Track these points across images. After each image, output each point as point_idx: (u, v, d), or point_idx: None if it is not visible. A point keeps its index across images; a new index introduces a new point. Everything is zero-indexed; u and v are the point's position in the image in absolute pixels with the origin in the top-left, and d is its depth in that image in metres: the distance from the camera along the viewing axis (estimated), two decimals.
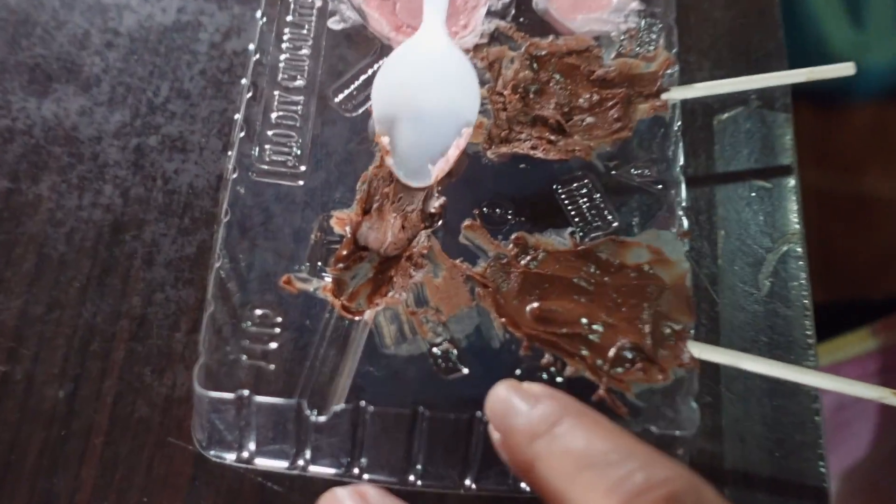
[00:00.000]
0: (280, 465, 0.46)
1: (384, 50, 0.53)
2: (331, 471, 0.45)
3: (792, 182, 0.54)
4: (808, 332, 0.50)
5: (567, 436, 0.35)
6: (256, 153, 0.50)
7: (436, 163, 0.48)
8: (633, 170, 0.50)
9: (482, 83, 0.52)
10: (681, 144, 0.51)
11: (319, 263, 0.47)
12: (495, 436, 0.37)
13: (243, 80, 0.53)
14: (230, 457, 0.46)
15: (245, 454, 0.45)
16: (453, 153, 0.49)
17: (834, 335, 0.77)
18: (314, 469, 0.46)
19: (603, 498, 0.32)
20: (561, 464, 0.34)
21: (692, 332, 0.46)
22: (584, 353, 0.46)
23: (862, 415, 0.76)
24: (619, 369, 0.46)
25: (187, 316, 0.49)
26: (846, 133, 1.57)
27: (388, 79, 0.49)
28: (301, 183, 0.49)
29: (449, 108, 0.49)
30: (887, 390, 0.46)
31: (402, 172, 0.48)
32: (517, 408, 0.37)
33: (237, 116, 0.51)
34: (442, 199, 0.49)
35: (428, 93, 0.49)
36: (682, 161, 0.50)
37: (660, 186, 0.50)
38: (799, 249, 0.53)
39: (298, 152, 0.50)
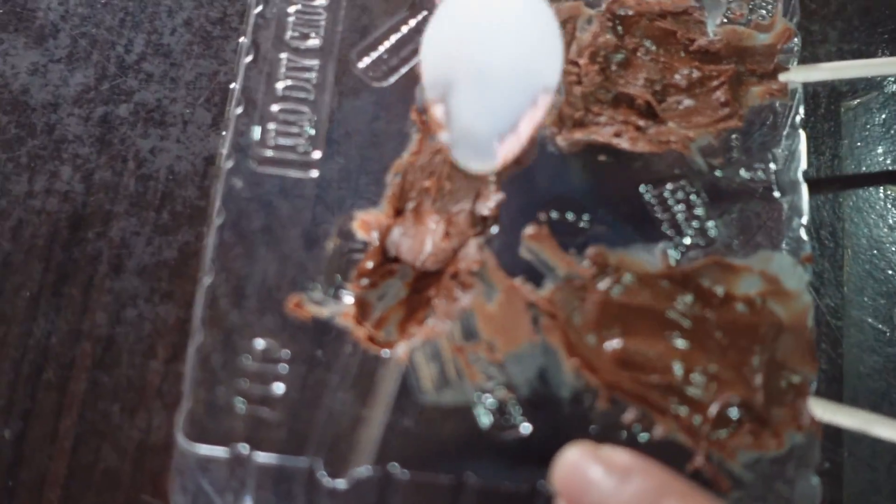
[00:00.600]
0: None
1: (423, 1, 0.51)
2: None
3: None
4: None
5: None
6: (258, 135, 0.48)
7: (504, 139, 0.47)
8: (741, 170, 0.49)
9: None
10: (803, 139, 0.49)
11: (338, 277, 0.46)
12: None
13: (241, 39, 0.51)
14: None
15: None
16: (527, 128, 0.47)
17: None
18: None
19: None
20: None
21: (814, 386, 0.45)
22: (679, 409, 0.44)
23: None
24: (723, 432, 0.44)
25: (166, 339, 0.48)
26: None
27: (443, 30, 0.47)
28: (314, 174, 0.48)
29: (524, 69, 0.47)
30: None
31: (460, 152, 0.47)
32: (599, 484, 0.37)
33: (233, 86, 0.49)
34: (500, 196, 0.47)
35: (496, 49, 0.47)
36: (804, 162, 0.48)
37: (776, 194, 0.48)
38: None
39: (312, 133, 0.49)
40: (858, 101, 0.54)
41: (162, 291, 0.49)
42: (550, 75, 0.47)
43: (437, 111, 0.47)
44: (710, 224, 0.48)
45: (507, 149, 0.47)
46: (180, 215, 0.50)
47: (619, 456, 0.38)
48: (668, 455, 0.43)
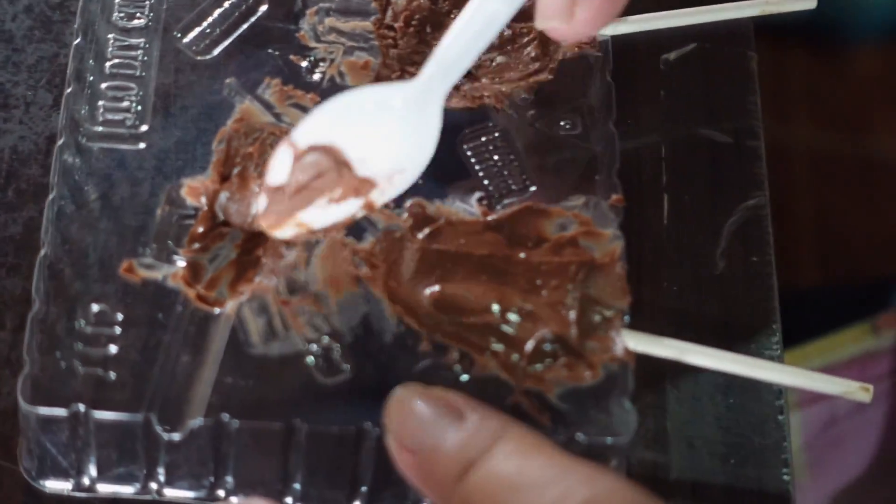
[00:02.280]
0: (128, 490, 0.46)
1: None
2: (190, 494, 0.46)
3: (756, 136, 0.55)
4: (773, 319, 0.52)
5: (503, 459, 0.37)
6: (87, 111, 0.50)
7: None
8: (554, 121, 0.51)
9: (368, 14, 0.53)
10: (613, 90, 0.51)
11: (170, 243, 0.47)
12: (404, 456, 0.39)
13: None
14: (67, 486, 0.46)
15: (85, 481, 0.46)
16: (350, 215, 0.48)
17: (832, 329, 0.79)
18: (171, 493, 0.46)
19: None
20: (495, 488, 0.37)
21: (627, 319, 0.47)
22: (497, 347, 0.46)
23: (856, 432, 0.78)
24: (539, 366, 0.46)
25: (13, 310, 0.50)
26: (848, 82, 1.60)
27: (348, 123, 0.47)
28: (143, 146, 0.49)
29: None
30: (854, 384, 0.47)
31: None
32: (433, 424, 0.38)
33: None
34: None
35: (378, 152, 0.47)
36: (614, 113, 0.51)
37: (588, 143, 0.51)
38: (763, 215, 0.53)
39: (139, 108, 0.50)
40: (675, 54, 0.56)
41: (8, 265, 0.51)
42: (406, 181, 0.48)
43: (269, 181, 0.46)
44: (525, 174, 0.50)
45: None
46: (24, 192, 0.52)
47: (451, 396, 0.39)
48: (490, 391, 0.45)
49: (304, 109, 0.51)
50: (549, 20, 0.45)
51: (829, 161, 1.52)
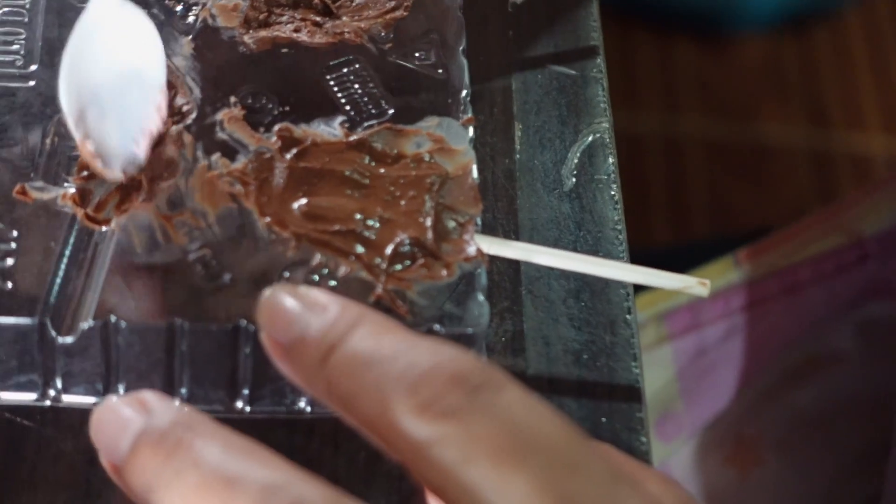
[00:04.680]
0: (29, 397, 0.50)
1: None
2: (87, 399, 0.49)
3: (597, 66, 0.60)
4: (618, 227, 0.56)
5: (360, 340, 0.39)
6: None
7: (140, 144, 0.52)
8: (409, 52, 0.56)
9: None
10: (463, 25, 0.56)
11: (64, 175, 0.51)
12: (275, 348, 0.41)
13: None
14: None
15: None
16: (155, 123, 0.52)
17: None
18: (68, 399, 0.50)
19: (393, 388, 0.38)
20: (352, 364, 0.39)
21: (479, 223, 0.51)
22: (360, 250, 0.50)
23: (726, 360, 0.82)
24: (399, 267, 0.50)
25: None
26: (735, 71, 1.66)
27: (70, 75, 0.51)
28: (32, 83, 0.53)
29: (134, 80, 0.52)
30: (693, 279, 0.51)
31: (110, 170, 0.52)
32: (304, 317, 0.41)
33: None
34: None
35: (107, 70, 0.52)
36: (464, 43, 0.55)
37: (440, 71, 0.55)
38: (606, 138, 0.58)
39: (28, 52, 0.54)
40: None
41: None
42: (158, 75, 0.53)
43: (88, 147, 0.51)
44: (384, 100, 0.55)
45: (145, 149, 0.52)
46: None
47: (315, 292, 0.41)
48: (355, 292, 0.49)
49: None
50: None
51: (720, 149, 1.58)
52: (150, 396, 0.40)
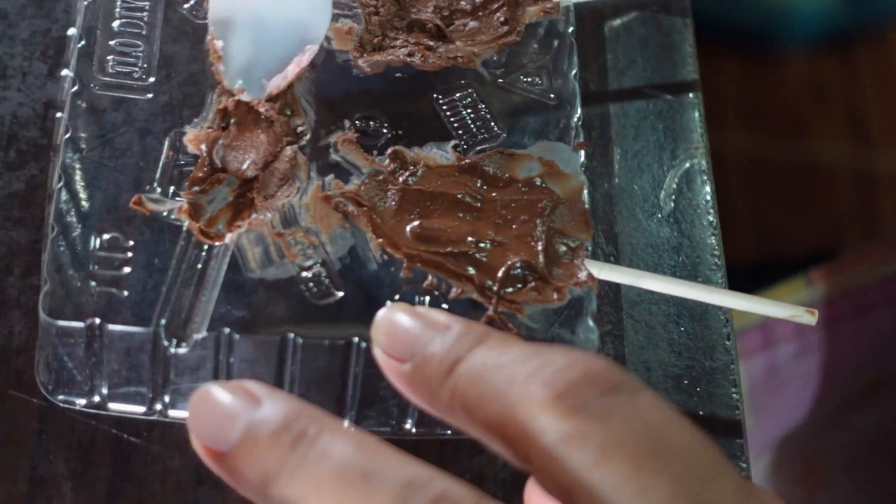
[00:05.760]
0: (136, 409, 0.50)
1: None
2: None
3: (693, 93, 0.60)
4: (716, 252, 0.56)
5: (486, 351, 0.39)
6: (97, 64, 0.53)
7: (271, 79, 0.52)
8: (522, 78, 0.56)
9: None
10: (575, 51, 0.56)
11: (173, 188, 0.51)
12: (393, 365, 0.41)
13: None
14: (80, 402, 0.50)
15: (96, 398, 0.49)
16: (292, 70, 0.53)
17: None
18: (175, 413, 0.50)
19: (526, 385, 0.37)
20: (480, 371, 0.38)
21: (589, 248, 0.51)
22: (472, 272, 0.50)
23: (796, 380, 0.82)
24: (510, 289, 0.50)
25: (21, 258, 0.53)
26: (780, 88, 1.65)
27: None
28: (150, 96, 0.53)
29: (294, 21, 0.54)
30: (800, 308, 0.51)
31: (232, 82, 0.52)
32: (426, 335, 0.40)
33: (71, 32, 0.55)
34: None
35: (272, 2, 0.54)
36: (576, 69, 0.55)
37: (552, 96, 0.55)
38: (703, 164, 0.58)
39: (146, 65, 0.54)
40: (620, 20, 0.61)
41: (14, 218, 0.54)
42: (317, 29, 0.54)
43: (218, 45, 0.53)
44: (495, 123, 0.54)
45: (273, 86, 0.52)
46: (26, 153, 0.55)
47: (435, 312, 0.41)
48: (466, 314, 0.48)
49: None
50: None
51: (765, 166, 1.57)
52: (256, 386, 0.38)
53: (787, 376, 0.81)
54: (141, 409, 0.50)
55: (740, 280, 0.64)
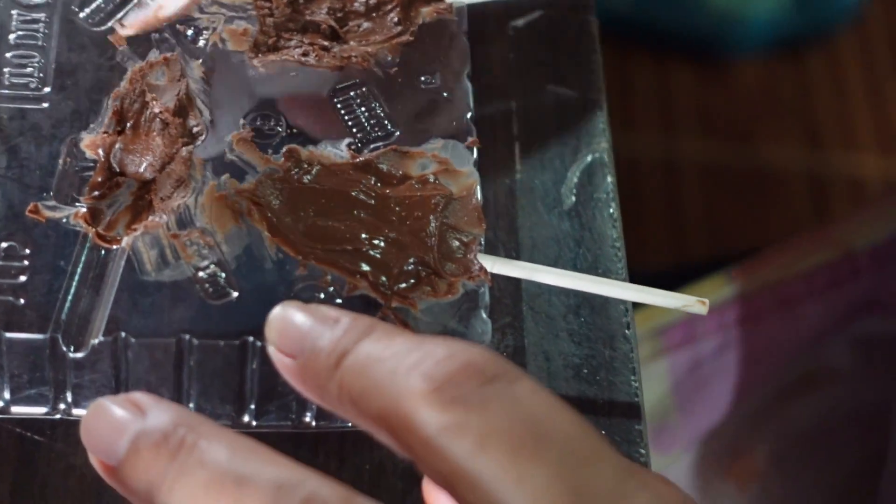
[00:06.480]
0: (39, 410, 0.50)
1: None
2: None
3: (597, 90, 0.60)
4: (617, 244, 0.56)
5: (372, 343, 0.39)
6: None
7: None
8: (415, 76, 0.56)
9: None
10: (468, 51, 0.56)
11: (74, 195, 0.51)
12: (286, 361, 0.41)
13: None
14: None
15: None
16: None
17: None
18: (78, 412, 0.50)
19: (406, 377, 0.38)
20: (364, 363, 0.39)
21: (482, 243, 0.52)
22: (366, 269, 0.51)
23: (720, 373, 0.82)
24: (404, 285, 0.51)
25: None
26: (733, 94, 1.66)
27: None
28: (45, 105, 0.54)
29: None
30: (692, 298, 0.52)
31: None
32: (316, 330, 0.41)
33: None
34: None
35: None
36: (469, 68, 0.56)
37: (445, 95, 0.55)
38: (605, 158, 0.59)
39: (41, 75, 0.54)
40: (524, 20, 0.61)
41: None
42: None
43: None
44: (389, 122, 0.55)
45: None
46: None
47: (325, 308, 0.42)
48: (359, 310, 0.47)
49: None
50: None
51: (718, 173, 1.58)
52: (143, 397, 0.40)
53: (711, 370, 0.81)
54: (43, 409, 0.50)
55: (666, 278, 0.65)
